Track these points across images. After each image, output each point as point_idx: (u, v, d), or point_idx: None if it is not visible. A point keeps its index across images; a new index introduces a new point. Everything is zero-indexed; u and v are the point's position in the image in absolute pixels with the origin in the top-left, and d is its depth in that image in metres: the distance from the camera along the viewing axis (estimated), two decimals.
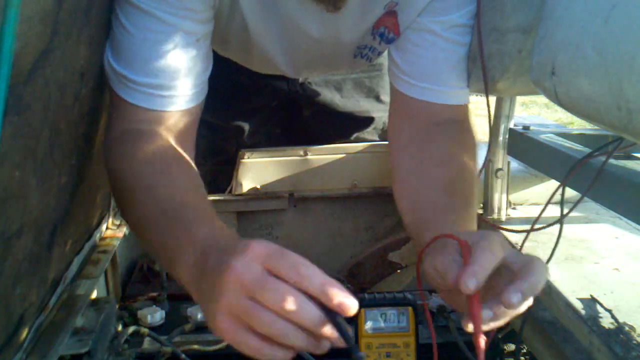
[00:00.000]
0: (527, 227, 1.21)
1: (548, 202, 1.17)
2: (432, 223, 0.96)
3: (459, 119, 1.14)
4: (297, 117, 1.66)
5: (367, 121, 1.68)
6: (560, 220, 1.15)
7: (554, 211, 1.17)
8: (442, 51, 1.11)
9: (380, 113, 1.69)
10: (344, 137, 1.65)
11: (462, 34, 1.11)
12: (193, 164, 1.01)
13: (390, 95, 1.23)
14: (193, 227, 0.84)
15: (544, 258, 1.16)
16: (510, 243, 1.22)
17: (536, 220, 1.17)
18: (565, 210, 1.18)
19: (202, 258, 0.78)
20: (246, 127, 1.64)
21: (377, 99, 1.68)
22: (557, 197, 1.17)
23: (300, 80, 1.59)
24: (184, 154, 1.01)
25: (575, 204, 1.12)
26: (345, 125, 1.66)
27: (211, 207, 0.91)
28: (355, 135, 1.68)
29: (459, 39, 1.11)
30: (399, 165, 1.14)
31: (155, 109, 0.99)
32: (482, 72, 1.10)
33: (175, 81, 0.99)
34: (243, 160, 1.55)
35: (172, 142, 1.01)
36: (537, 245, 1.26)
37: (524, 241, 1.16)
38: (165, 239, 0.86)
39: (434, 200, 1.01)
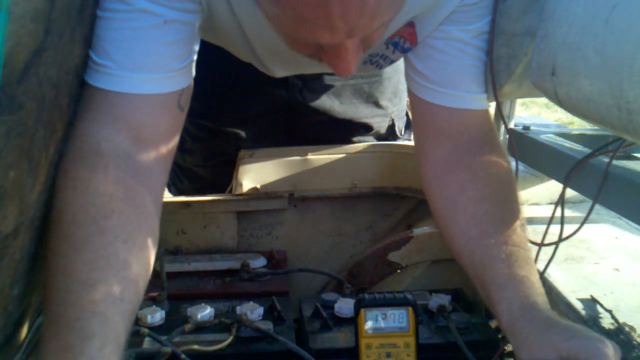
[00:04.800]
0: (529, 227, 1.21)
1: (554, 212, 1.16)
2: (496, 282, 0.97)
3: (485, 129, 1.14)
4: (297, 123, 1.66)
5: (367, 128, 1.68)
6: (561, 221, 1.15)
7: (557, 212, 1.17)
8: (471, 58, 1.11)
9: (379, 118, 1.69)
10: (344, 143, 1.65)
11: (487, 40, 1.11)
12: (152, 203, 0.94)
13: (411, 109, 1.22)
14: (80, 340, 0.78)
15: (545, 258, 1.16)
16: None
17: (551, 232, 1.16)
18: (567, 212, 1.18)
19: None
20: (245, 134, 1.64)
21: (376, 104, 1.67)
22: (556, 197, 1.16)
23: (299, 86, 1.59)
24: (142, 193, 0.92)
25: (586, 216, 1.12)
26: (345, 132, 1.66)
27: (131, 296, 0.85)
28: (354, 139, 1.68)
29: (485, 45, 1.11)
30: (438, 196, 1.13)
31: (111, 89, 0.92)
32: (491, 75, 1.10)
33: (127, 60, 0.92)
34: (243, 160, 1.55)
35: (135, 168, 0.92)
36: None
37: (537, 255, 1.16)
38: (51, 328, 0.79)
39: (493, 253, 1.00)
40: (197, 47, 1.03)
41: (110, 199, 0.88)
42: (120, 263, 0.85)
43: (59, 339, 0.77)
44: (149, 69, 0.94)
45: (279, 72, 1.32)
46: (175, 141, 1.01)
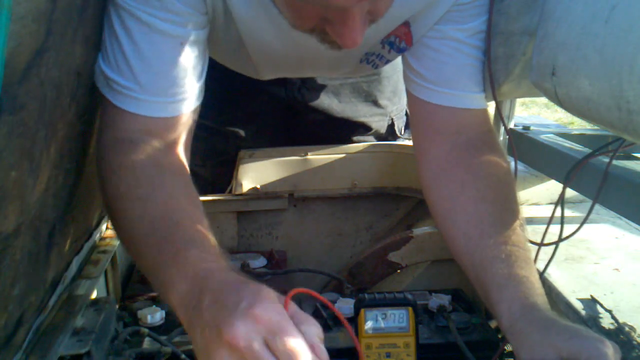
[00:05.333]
0: (529, 227, 1.21)
1: (554, 212, 1.16)
2: (496, 281, 0.96)
3: (484, 129, 1.14)
4: (295, 122, 1.66)
5: (365, 127, 1.68)
6: (561, 221, 1.15)
7: (557, 212, 1.17)
8: (467, 57, 1.11)
9: (378, 117, 1.69)
10: (343, 143, 1.65)
11: (484, 40, 1.11)
12: (187, 174, 1.01)
13: (409, 108, 1.22)
14: (182, 249, 0.84)
15: (545, 258, 1.16)
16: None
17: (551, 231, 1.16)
18: (567, 212, 1.18)
19: (195, 290, 0.79)
20: (245, 132, 1.64)
21: (375, 103, 1.67)
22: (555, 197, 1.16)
23: (297, 85, 1.59)
24: (178, 164, 1.00)
25: (586, 216, 1.12)
26: (344, 131, 1.66)
27: (205, 224, 0.92)
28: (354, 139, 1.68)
29: (481, 45, 1.11)
30: (437, 196, 1.13)
31: (139, 113, 0.98)
32: (489, 74, 1.10)
33: (151, 85, 0.98)
34: (243, 161, 1.55)
35: (164, 151, 1.00)
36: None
37: (536, 255, 1.16)
38: (155, 260, 0.87)
39: (494, 254, 1.00)
40: (207, 62, 1.07)
41: (145, 177, 0.96)
42: (182, 205, 0.94)
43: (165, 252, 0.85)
44: (171, 93, 1.00)
45: (268, 76, 1.33)
46: (190, 139, 1.06)
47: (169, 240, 0.87)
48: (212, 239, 0.89)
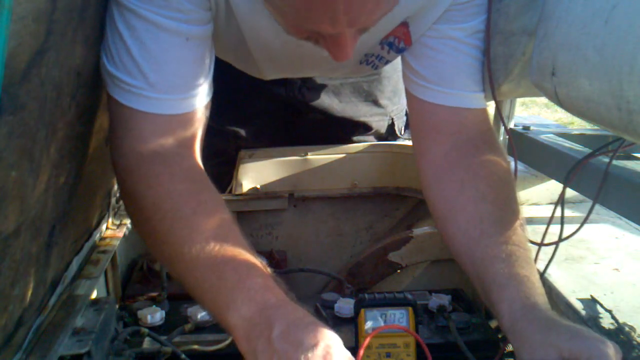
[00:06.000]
0: (529, 227, 1.21)
1: (554, 212, 1.16)
2: (497, 280, 0.97)
3: (484, 129, 1.14)
4: (296, 122, 1.66)
5: (366, 127, 1.68)
6: (561, 221, 1.15)
7: (557, 212, 1.17)
8: (466, 56, 1.11)
9: (378, 117, 1.69)
10: (343, 142, 1.65)
11: (483, 39, 1.11)
12: (208, 179, 1.04)
13: (409, 108, 1.22)
14: (246, 276, 0.89)
15: (545, 258, 1.16)
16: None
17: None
18: (567, 212, 1.18)
19: (262, 316, 0.84)
20: (245, 132, 1.64)
21: (375, 103, 1.68)
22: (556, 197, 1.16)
23: (298, 85, 1.59)
24: (203, 172, 1.04)
25: (586, 216, 1.12)
26: (344, 131, 1.66)
27: (245, 241, 0.97)
28: (354, 139, 1.68)
29: (480, 44, 1.11)
30: (437, 196, 1.13)
31: (152, 112, 0.98)
32: (488, 74, 1.10)
33: (161, 83, 0.97)
34: (243, 161, 1.55)
35: (188, 156, 1.02)
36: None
37: (536, 255, 1.16)
38: (213, 282, 0.90)
39: (494, 254, 1.00)
40: (214, 58, 1.07)
41: (184, 194, 0.99)
42: (227, 224, 0.98)
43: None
44: (182, 89, 1.00)
45: (271, 75, 1.33)
46: (204, 135, 1.09)
47: (230, 265, 0.91)
48: (263, 264, 0.94)
